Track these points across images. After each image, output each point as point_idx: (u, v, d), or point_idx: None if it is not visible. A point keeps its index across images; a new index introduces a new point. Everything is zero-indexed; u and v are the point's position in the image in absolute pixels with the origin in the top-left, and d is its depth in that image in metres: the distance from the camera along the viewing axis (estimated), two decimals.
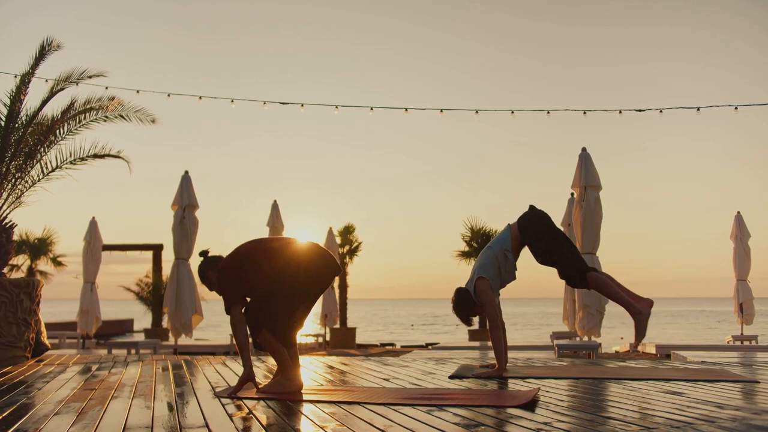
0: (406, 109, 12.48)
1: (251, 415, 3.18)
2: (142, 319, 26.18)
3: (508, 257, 4.85)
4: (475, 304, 4.86)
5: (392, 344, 20.19)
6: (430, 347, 15.63)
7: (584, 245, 8.49)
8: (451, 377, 4.65)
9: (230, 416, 3.15)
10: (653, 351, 10.91)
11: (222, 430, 2.82)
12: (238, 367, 5.51)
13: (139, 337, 22.23)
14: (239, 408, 3.38)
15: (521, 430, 2.72)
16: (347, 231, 19.74)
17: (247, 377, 3.81)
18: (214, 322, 30.92)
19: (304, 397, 3.67)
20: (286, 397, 3.70)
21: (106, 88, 8.31)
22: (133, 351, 9.26)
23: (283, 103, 11.37)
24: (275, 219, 13.02)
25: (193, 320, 9.84)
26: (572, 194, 12.97)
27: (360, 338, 20.29)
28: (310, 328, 19.85)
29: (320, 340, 15.03)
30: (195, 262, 10.26)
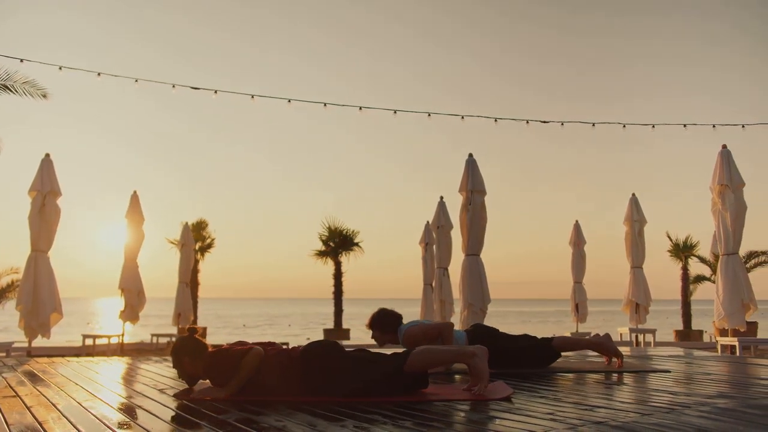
0: (252, 96, 12.25)
1: (242, 417, 2.98)
2: None
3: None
4: (392, 332, 5.01)
5: None
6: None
7: (470, 248, 8.88)
8: None
9: (225, 422, 2.92)
10: None
11: None
12: (149, 365, 5.09)
13: None
14: (222, 410, 3.15)
15: (532, 419, 2.81)
16: (200, 227, 18.93)
17: (219, 395, 3.54)
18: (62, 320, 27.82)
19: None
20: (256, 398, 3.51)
21: None
22: None
23: (195, 88, 10.63)
24: (134, 211, 12.23)
25: (51, 319, 8.90)
26: (441, 198, 13.53)
27: (208, 339, 19.50)
28: (166, 328, 18.77)
29: (173, 339, 14.28)
30: (56, 254, 9.31)
